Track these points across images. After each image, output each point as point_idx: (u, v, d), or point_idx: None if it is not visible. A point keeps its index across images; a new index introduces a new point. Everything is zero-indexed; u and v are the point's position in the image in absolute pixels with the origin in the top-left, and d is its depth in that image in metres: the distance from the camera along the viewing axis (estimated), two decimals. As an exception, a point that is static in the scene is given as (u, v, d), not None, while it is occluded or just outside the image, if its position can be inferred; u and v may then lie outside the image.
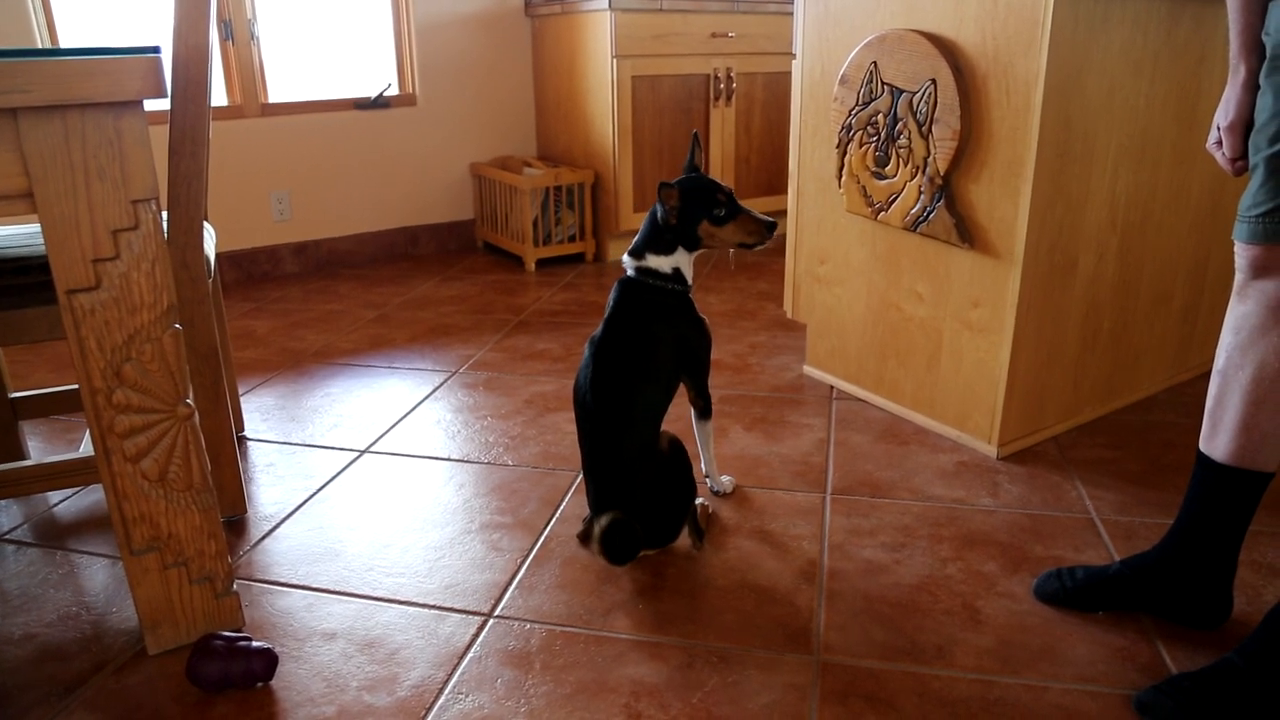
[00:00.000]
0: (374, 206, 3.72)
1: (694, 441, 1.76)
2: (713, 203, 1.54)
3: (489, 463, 1.97)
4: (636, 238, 1.59)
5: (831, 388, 2.34)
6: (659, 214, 1.55)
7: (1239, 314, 1.23)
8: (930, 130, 1.87)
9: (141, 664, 1.35)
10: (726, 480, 1.82)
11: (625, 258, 1.59)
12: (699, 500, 1.70)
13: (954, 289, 1.95)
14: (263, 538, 1.69)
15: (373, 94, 3.60)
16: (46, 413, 1.94)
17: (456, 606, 1.48)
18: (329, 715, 1.24)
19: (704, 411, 1.71)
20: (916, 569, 1.56)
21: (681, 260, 1.57)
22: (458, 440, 2.08)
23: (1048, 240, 1.82)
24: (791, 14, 3.42)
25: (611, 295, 1.58)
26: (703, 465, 1.80)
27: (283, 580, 1.56)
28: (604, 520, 1.48)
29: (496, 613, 1.46)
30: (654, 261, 1.56)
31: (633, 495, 1.51)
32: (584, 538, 1.65)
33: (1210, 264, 2.24)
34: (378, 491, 1.86)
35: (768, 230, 1.56)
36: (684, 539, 1.63)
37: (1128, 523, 1.70)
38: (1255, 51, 1.18)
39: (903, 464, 1.93)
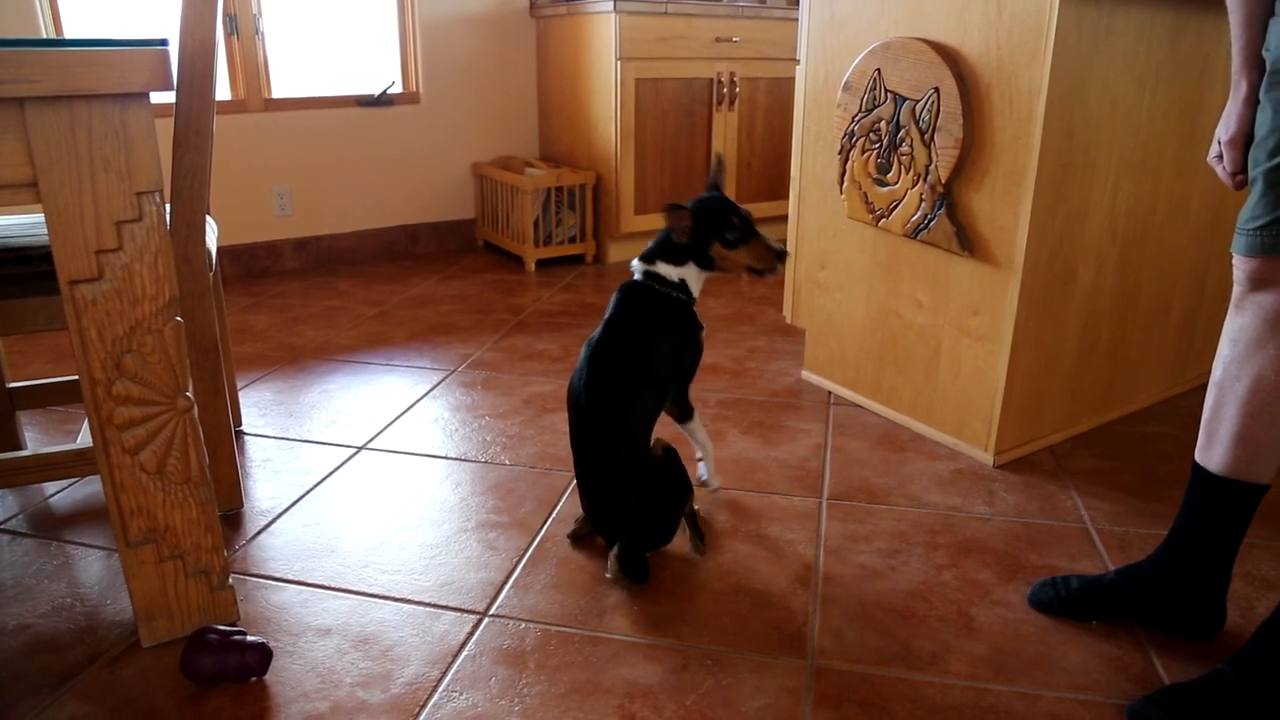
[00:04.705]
0: (375, 204, 3.72)
1: (686, 446, 1.76)
2: (726, 225, 1.53)
3: (486, 462, 1.98)
4: (651, 243, 1.58)
5: (829, 393, 2.34)
6: (672, 232, 1.54)
7: (1236, 326, 1.24)
8: (932, 138, 1.88)
9: (135, 656, 1.35)
10: (714, 482, 1.81)
11: (635, 261, 1.59)
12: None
13: (953, 297, 1.96)
14: (259, 532, 1.69)
15: (376, 91, 3.60)
16: (44, 403, 1.94)
17: (451, 604, 1.48)
18: (322, 711, 1.24)
19: (680, 417, 1.68)
20: (912, 575, 1.56)
21: (690, 274, 1.57)
22: (455, 439, 2.09)
23: (1048, 250, 1.83)
24: (795, 20, 3.43)
25: (613, 298, 1.58)
26: (696, 453, 1.79)
27: (278, 575, 1.56)
28: (616, 550, 1.51)
29: (491, 611, 1.46)
30: (664, 269, 1.56)
31: (627, 500, 1.52)
32: (575, 537, 1.66)
33: (1209, 276, 2.25)
34: (374, 488, 1.86)
35: (778, 259, 1.55)
36: (684, 544, 1.63)
37: (1122, 533, 1.70)
38: (1256, 67, 1.19)
39: (899, 470, 1.94)
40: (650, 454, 1.55)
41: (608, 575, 1.53)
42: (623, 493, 1.52)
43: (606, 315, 1.57)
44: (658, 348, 1.55)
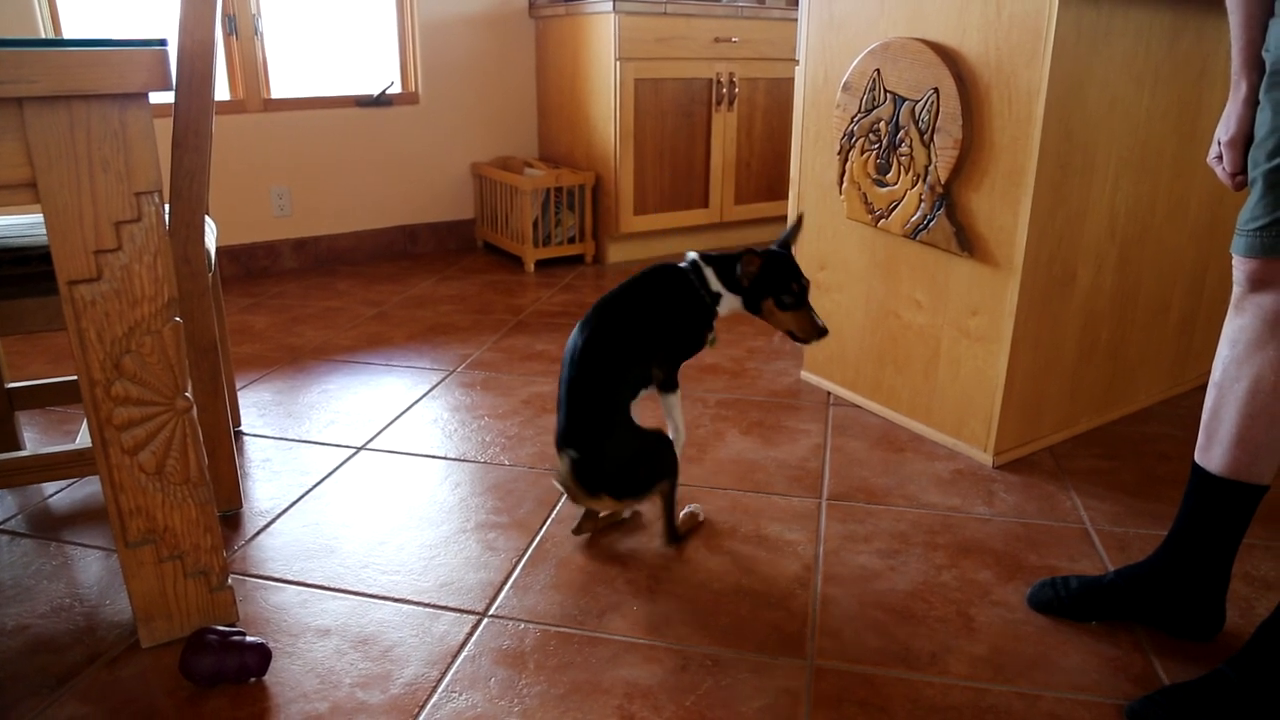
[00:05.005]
0: (374, 204, 3.72)
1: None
2: (785, 289, 1.58)
3: (485, 462, 1.97)
4: (719, 254, 1.62)
5: (829, 394, 2.34)
6: (739, 269, 1.58)
7: (1236, 327, 1.24)
8: (932, 139, 1.88)
9: (135, 657, 1.35)
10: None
11: (693, 252, 1.62)
12: (692, 507, 1.71)
13: (953, 297, 1.96)
14: (258, 533, 1.69)
15: (375, 92, 3.60)
16: (43, 403, 1.94)
17: (451, 605, 1.48)
18: (321, 711, 1.24)
19: (665, 385, 1.66)
20: (911, 576, 1.56)
21: (731, 301, 1.61)
22: (454, 439, 2.08)
23: (1047, 250, 1.83)
24: (795, 20, 3.43)
25: (642, 271, 1.60)
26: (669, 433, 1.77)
27: (277, 576, 1.56)
28: (571, 454, 1.52)
29: (491, 612, 1.46)
30: (710, 276, 1.59)
31: (601, 435, 1.52)
32: (578, 532, 1.66)
33: (1208, 277, 2.25)
34: (373, 488, 1.86)
35: (817, 335, 1.60)
36: (664, 543, 1.64)
37: (1122, 533, 1.70)
38: (1256, 68, 1.18)
39: (899, 471, 1.94)
40: (630, 410, 1.56)
41: (555, 482, 1.52)
42: (600, 427, 1.52)
43: (627, 280, 1.59)
44: (664, 330, 1.57)
